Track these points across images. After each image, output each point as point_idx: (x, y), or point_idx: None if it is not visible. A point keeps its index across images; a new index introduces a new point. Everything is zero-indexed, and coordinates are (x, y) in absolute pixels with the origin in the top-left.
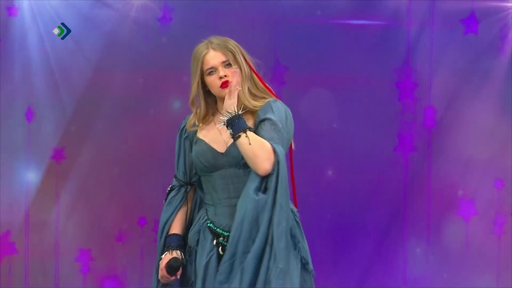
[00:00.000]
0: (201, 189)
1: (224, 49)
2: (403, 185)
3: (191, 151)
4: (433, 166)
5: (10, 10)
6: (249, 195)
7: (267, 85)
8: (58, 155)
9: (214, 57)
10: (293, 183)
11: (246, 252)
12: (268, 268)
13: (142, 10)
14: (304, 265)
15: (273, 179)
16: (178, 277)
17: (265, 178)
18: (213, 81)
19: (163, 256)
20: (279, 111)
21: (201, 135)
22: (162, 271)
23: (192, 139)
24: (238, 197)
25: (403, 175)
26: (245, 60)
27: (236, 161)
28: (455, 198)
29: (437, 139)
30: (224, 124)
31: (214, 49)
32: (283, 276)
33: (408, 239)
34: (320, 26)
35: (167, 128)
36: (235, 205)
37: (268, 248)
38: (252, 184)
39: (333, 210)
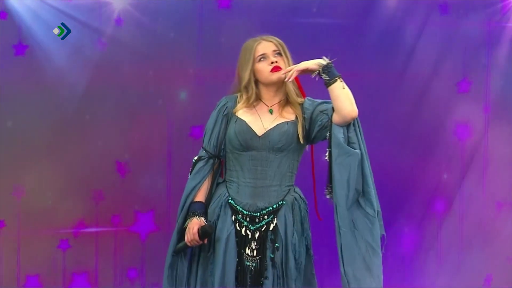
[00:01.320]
0: (225, 165)
1: (276, 41)
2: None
3: (226, 127)
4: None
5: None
6: (348, 149)
7: (301, 86)
8: None
9: (265, 46)
10: (313, 177)
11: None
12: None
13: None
14: (307, 250)
15: (357, 130)
16: (205, 242)
17: (345, 130)
18: (264, 67)
19: (190, 220)
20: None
21: (242, 115)
22: (194, 235)
23: (231, 117)
24: (263, 179)
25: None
26: (289, 57)
27: (271, 145)
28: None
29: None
30: (317, 73)
31: (265, 40)
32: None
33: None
34: (319, 24)
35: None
36: (260, 187)
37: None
38: (340, 136)
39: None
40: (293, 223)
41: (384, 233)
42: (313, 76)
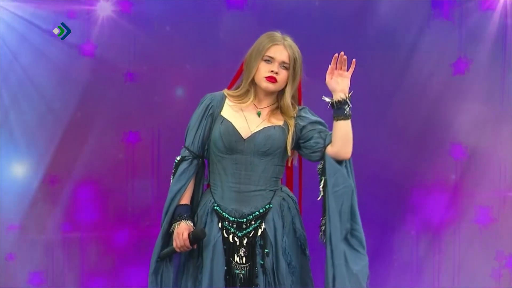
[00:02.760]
0: (209, 167)
1: (293, 53)
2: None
3: (211, 128)
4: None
5: None
6: (346, 179)
7: (301, 100)
8: None
9: (279, 52)
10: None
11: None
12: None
13: None
14: (303, 251)
15: (347, 165)
16: (195, 247)
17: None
18: (263, 68)
19: (177, 225)
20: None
21: (228, 116)
22: (185, 241)
23: (216, 117)
24: (248, 184)
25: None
26: (300, 71)
27: (256, 149)
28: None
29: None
30: (333, 105)
31: (285, 46)
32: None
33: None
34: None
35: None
36: (244, 192)
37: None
38: (344, 170)
39: None
40: (283, 226)
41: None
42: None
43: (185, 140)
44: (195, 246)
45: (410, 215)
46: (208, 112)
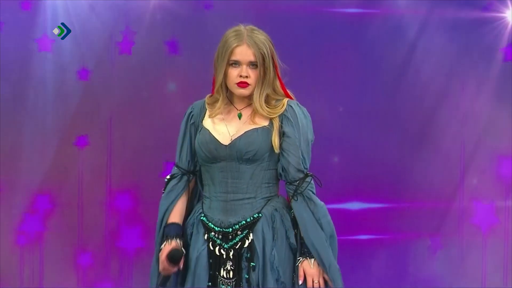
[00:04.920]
0: (201, 180)
1: (258, 49)
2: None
3: (195, 138)
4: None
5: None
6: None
7: (287, 90)
8: None
9: (244, 53)
10: None
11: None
12: None
13: None
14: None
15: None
16: (181, 267)
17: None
18: (232, 75)
19: (162, 246)
20: (302, 123)
21: (207, 124)
22: (163, 263)
23: (197, 126)
24: (235, 193)
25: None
26: (273, 63)
27: (239, 155)
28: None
29: None
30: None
31: (249, 45)
32: None
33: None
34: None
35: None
36: (231, 201)
37: None
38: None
39: (337, 200)
40: (273, 238)
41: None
42: None
43: (176, 157)
44: (181, 265)
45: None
46: (190, 122)
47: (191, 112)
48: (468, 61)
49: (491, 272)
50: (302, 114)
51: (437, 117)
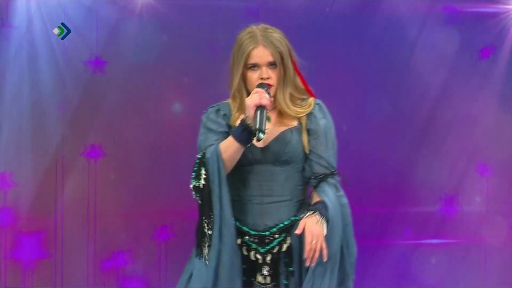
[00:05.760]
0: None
1: (275, 49)
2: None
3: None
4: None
5: None
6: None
7: (308, 86)
8: None
9: (261, 55)
10: None
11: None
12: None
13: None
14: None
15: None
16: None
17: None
18: (253, 78)
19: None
20: (330, 122)
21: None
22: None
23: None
24: (270, 196)
25: None
26: (292, 60)
27: (275, 158)
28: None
29: None
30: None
31: (264, 46)
32: None
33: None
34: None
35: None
36: (267, 204)
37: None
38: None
39: None
40: None
41: None
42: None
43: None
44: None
45: None
46: (221, 114)
47: (219, 109)
48: (469, 60)
49: (492, 273)
50: (328, 113)
51: (437, 118)
